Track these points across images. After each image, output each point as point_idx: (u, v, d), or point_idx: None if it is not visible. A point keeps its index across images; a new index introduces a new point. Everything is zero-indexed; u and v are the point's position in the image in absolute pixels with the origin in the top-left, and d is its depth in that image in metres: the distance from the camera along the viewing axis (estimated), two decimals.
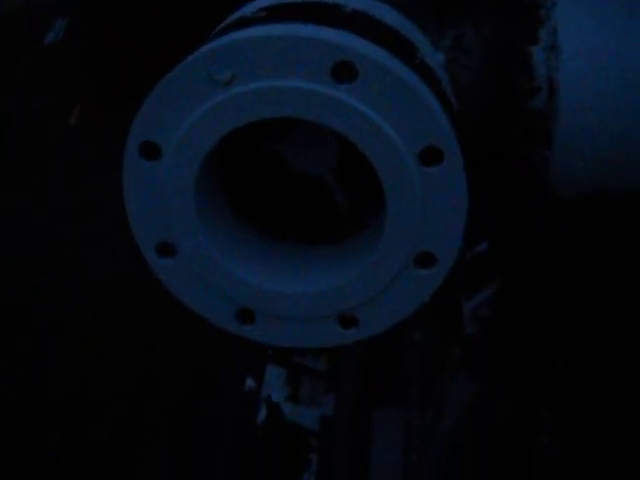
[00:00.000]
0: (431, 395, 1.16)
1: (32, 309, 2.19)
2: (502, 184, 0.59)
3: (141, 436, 1.93)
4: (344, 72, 0.44)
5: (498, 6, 0.59)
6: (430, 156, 0.45)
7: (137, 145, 0.47)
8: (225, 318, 0.52)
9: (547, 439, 0.78)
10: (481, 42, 0.59)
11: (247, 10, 0.52)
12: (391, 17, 0.54)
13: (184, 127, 0.46)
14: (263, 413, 1.68)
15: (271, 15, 0.49)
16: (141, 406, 1.98)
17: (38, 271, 2.24)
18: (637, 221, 0.63)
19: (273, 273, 0.52)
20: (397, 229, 0.47)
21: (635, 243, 0.66)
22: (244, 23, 0.49)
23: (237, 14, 0.53)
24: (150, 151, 0.47)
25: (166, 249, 0.51)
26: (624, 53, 0.56)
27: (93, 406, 1.99)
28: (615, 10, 0.57)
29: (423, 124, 0.44)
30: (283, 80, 0.44)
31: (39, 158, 2.53)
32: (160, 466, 1.90)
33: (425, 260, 0.48)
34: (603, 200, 0.60)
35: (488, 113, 0.57)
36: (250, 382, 1.92)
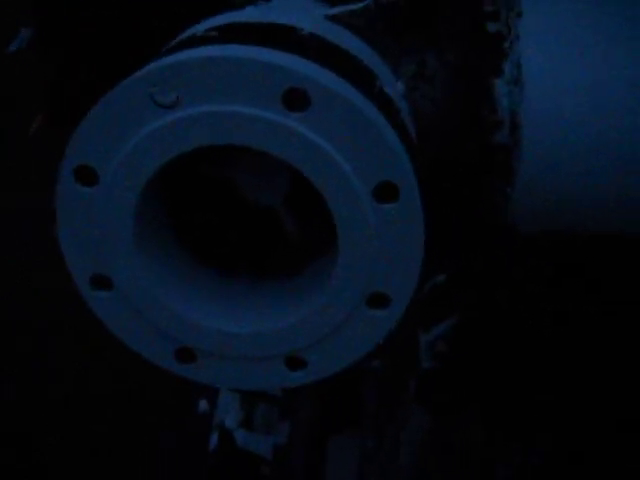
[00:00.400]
0: (387, 425, 1.13)
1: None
2: (462, 219, 0.57)
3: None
4: (296, 99, 0.41)
5: (460, 34, 0.57)
6: (385, 192, 0.42)
7: (72, 169, 0.44)
8: (163, 357, 0.49)
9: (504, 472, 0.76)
10: (444, 71, 0.57)
11: (198, 29, 0.49)
12: (349, 42, 0.51)
13: (123, 152, 0.42)
14: (215, 440, 1.64)
15: (223, 35, 0.46)
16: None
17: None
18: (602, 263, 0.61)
19: (217, 311, 0.49)
20: (349, 268, 0.44)
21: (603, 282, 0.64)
22: (193, 43, 0.46)
23: (187, 33, 0.50)
24: (86, 176, 0.44)
25: (101, 282, 0.47)
26: (592, 90, 0.55)
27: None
28: (584, 44, 0.55)
29: (379, 158, 0.42)
30: (231, 105, 0.41)
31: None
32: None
33: (378, 301, 0.45)
34: (564, 240, 0.58)
35: (449, 146, 0.55)
36: (203, 405, 1.87)
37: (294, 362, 0.48)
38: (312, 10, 0.58)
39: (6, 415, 1.92)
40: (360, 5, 0.58)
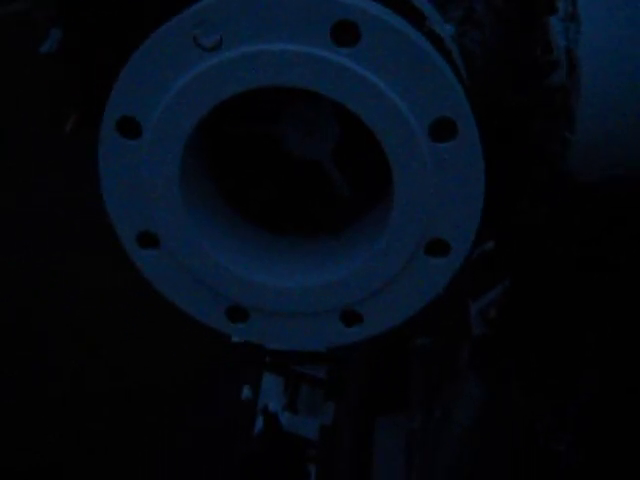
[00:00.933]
0: (436, 401, 1.11)
1: (32, 309, 2.20)
2: (518, 168, 0.54)
3: (140, 437, 1.92)
4: (345, 33, 0.39)
5: None
6: (443, 130, 0.40)
7: (114, 121, 0.42)
8: (215, 316, 0.47)
9: (564, 446, 0.73)
10: (493, 14, 0.55)
11: None
12: None
13: (166, 100, 0.41)
14: (260, 424, 1.63)
15: None
16: (139, 407, 1.97)
17: (37, 271, 2.25)
18: None
19: (267, 266, 0.47)
20: (406, 213, 0.42)
21: None
22: None
23: None
24: (129, 128, 0.42)
25: (148, 239, 0.45)
26: None
27: (90, 405, 1.98)
28: None
29: (435, 93, 0.39)
30: (276, 43, 0.39)
31: (38, 163, 2.54)
32: (158, 469, 1.87)
33: (437, 248, 0.43)
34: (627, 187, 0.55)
35: (502, 90, 0.53)
36: (247, 391, 1.86)
37: (350, 317, 0.46)
38: None
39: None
40: None
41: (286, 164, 0.51)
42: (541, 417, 0.71)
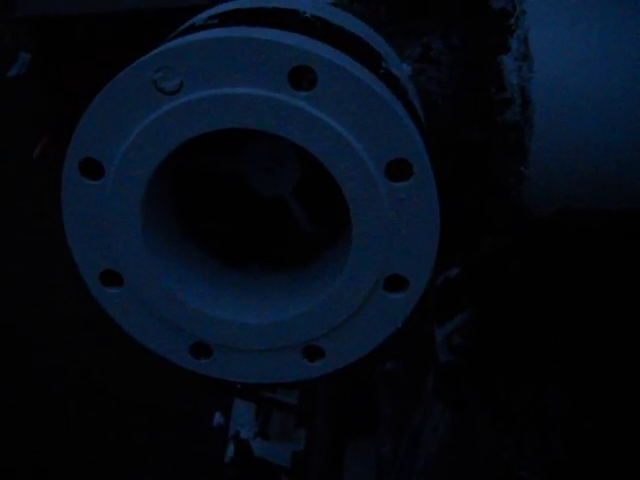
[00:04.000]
0: (405, 425, 1.12)
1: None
2: (474, 203, 0.56)
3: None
4: (302, 78, 0.40)
5: (466, 14, 0.56)
6: (398, 170, 0.41)
7: (77, 162, 0.43)
8: (179, 353, 0.48)
9: (527, 473, 0.74)
10: (450, 52, 0.56)
11: (197, 19, 0.48)
12: (353, 24, 0.50)
13: (127, 142, 0.42)
14: (231, 451, 1.62)
15: (223, 21, 0.45)
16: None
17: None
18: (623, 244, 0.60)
19: (231, 302, 0.47)
20: (364, 250, 0.43)
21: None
22: (193, 30, 0.45)
23: (185, 24, 0.49)
24: (91, 169, 0.43)
25: (111, 278, 0.46)
26: (599, 62, 0.54)
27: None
28: (589, 18, 0.54)
29: (390, 135, 0.40)
30: (235, 87, 0.40)
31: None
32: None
33: (396, 283, 0.44)
34: (579, 219, 0.57)
35: (459, 127, 0.54)
36: (218, 418, 1.85)
37: (312, 352, 0.46)
38: None
39: (5, 414, 1.94)
40: None
41: (249, 199, 0.52)
42: (504, 443, 0.72)
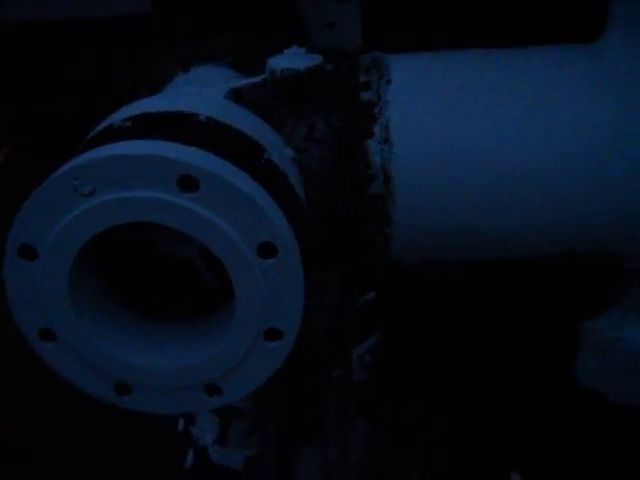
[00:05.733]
0: (349, 432, 1.24)
1: None
2: (353, 259, 0.68)
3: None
4: (188, 183, 0.51)
5: (340, 102, 0.68)
6: (266, 250, 0.53)
7: (16, 247, 0.54)
8: (104, 391, 0.59)
9: None
10: (331, 133, 0.68)
11: (115, 118, 0.59)
12: (243, 121, 0.62)
13: (55, 232, 0.53)
14: (191, 458, 1.72)
15: (135, 125, 0.57)
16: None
17: None
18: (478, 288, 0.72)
19: (146, 349, 0.59)
20: (246, 311, 0.55)
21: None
22: (109, 135, 0.57)
23: (107, 121, 0.61)
24: (27, 253, 0.54)
25: (47, 335, 0.57)
26: (450, 141, 0.66)
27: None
28: (442, 107, 0.67)
29: (258, 224, 0.52)
30: (136, 191, 0.52)
31: None
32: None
33: (273, 334, 0.56)
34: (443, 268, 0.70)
35: (335, 200, 0.66)
36: (182, 425, 1.95)
37: (211, 389, 0.58)
38: (223, 82, 0.69)
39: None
40: (258, 79, 0.69)
41: (161, 262, 0.64)
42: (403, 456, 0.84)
